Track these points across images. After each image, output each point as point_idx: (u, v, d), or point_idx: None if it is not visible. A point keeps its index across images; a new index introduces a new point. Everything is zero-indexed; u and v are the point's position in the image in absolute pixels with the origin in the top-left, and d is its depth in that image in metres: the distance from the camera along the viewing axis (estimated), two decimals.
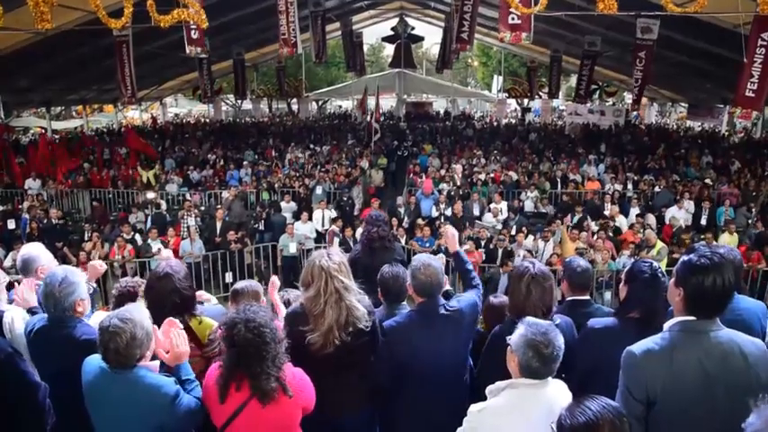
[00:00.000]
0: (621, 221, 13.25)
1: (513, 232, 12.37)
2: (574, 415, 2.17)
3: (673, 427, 2.54)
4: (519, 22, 11.23)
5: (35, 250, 4.20)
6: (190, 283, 3.47)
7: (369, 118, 22.05)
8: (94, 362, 2.90)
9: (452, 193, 15.63)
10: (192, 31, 10.33)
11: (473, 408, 2.73)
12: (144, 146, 21.34)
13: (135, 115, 38.82)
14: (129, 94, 16.80)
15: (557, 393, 2.68)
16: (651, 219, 13.36)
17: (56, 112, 27.51)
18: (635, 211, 14.08)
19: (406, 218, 13.97)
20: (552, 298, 3.43)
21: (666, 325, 2.65)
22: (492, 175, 18.06)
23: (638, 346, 2.60)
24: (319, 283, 3.33)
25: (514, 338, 2.70)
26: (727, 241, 11.59)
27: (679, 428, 2.54)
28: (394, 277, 3.78)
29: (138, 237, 12.36)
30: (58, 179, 17.49)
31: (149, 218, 14.24)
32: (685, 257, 2.62)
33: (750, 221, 12.78)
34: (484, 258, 11.30)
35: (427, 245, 11.89)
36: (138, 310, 2.91)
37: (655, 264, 3.37)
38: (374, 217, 5.81)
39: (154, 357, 2.99)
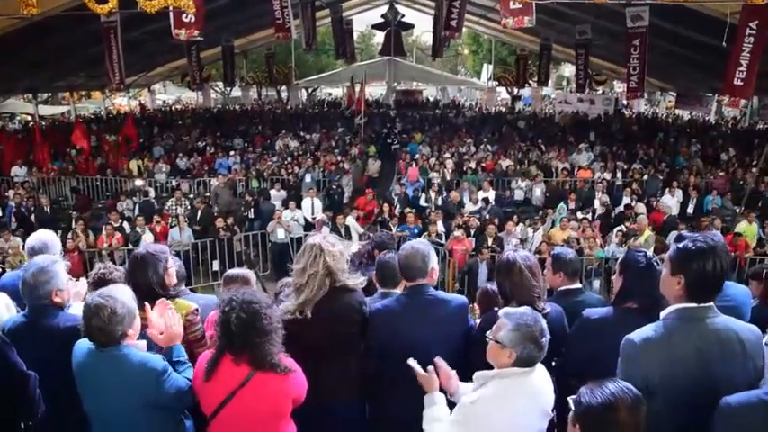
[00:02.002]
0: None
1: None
2: (593, 393, 2.18)
3: (671, 413, 2.54)
4: (520, 6, 11.20)
5: (45, 236, 4.17)
6: (165, 265, 3.45)
7: (354, 107, 22.01)
8: (84, 343, 2.91)
9: (441, 184, 15.63)
10: (185, 15, 10.20)
11: (465, 399, 2.72)
12: (135, 135, 21.32)
13: (123, 102, 38.52)
14: (117, 81, 16.65)
15: (541, 381, 2.71)
16: (641, 207, 13.44)
17: (42, 98, 27.21)
18: (627, 200, 14.18)
19: (398, 206, 14.01)
20: (542, 283, 3.44)
21: (663, 313, 2.65)
22: (483, 163, 18.10)
23: (636, 335, 2.59)
24: (308, 258, 3.35)
25: (505, 334, 2.68)
26: (745, 229, 11.77)
27: (677, 415, 2.54)
28: (389, 261, 3.78)
29: (126, 224, 12.30)
30: (44, 168, 17.36)
31: (137, 205, 14.19)
32: (680, 245, 2.60)
33: (737, 210, 12.90)
34: (474, 246, 11.33)
35: (416, 231, 11.92)
36: (120, 289, 2.92)
37: (649, 252, 3.36)
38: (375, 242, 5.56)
39: (142, 337, 3.00)
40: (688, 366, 2.51)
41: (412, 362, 2.96)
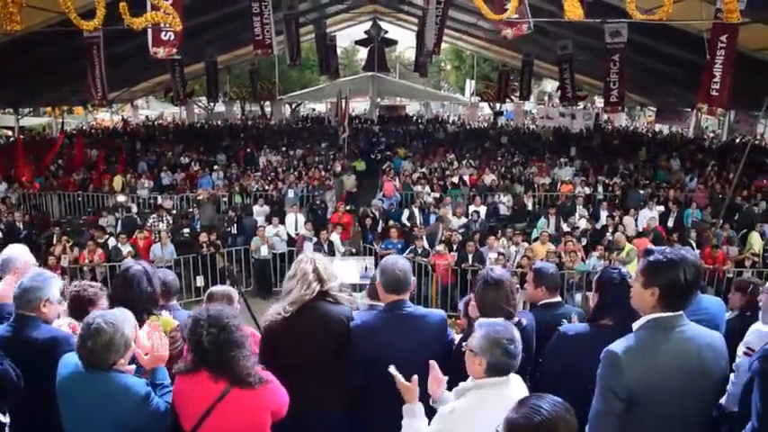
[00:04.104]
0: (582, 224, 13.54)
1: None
2: (527, 416, 2.16)
3: (653, 421, 2.61)
4: (516, 16, 11.18)
5: (15, 251, 4.17)
6: (151, 282, 3.50)
7: (343, 122, 22.02)
8: (71, 359, 2.93)
9: (423, 201, 15.72)
10: (163, 33, 10.18)
11: (443, 410, 2.77)
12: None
13: (105, 117, 38.36)
14: (99, 97, 16.59)
15: (518, 393, 2.73)
16: (629, 221, 13.59)
17: (24, 112, 27.00)
18: (605, 213, 14.34)
19: (381, 222, 14.03)
20: (515, 299, 3.50)
21: (636, 324, 2.71)
22: (465, 178, 18.24)
23: (617, 346, 2.65)
24: (297, 266, 3.45)
25: (476, 342, 2.75)
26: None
27: (659, 422, 2.62)
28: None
29: (109, 240, 12.24)
30: (23, 182, 17.24)
31: (119, 221, 14.11)
32: (651, 258, 2.68)
33: (716, 223, 13.08)
34: (456, 260, 11.39)
35: (399, 246, 11.95)
36: (125, 316, 2.94)
37: (623, 270, 3.46)
38: None
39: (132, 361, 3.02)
40: (668, 374, 2.58)
41: (392, 369, 2.98)
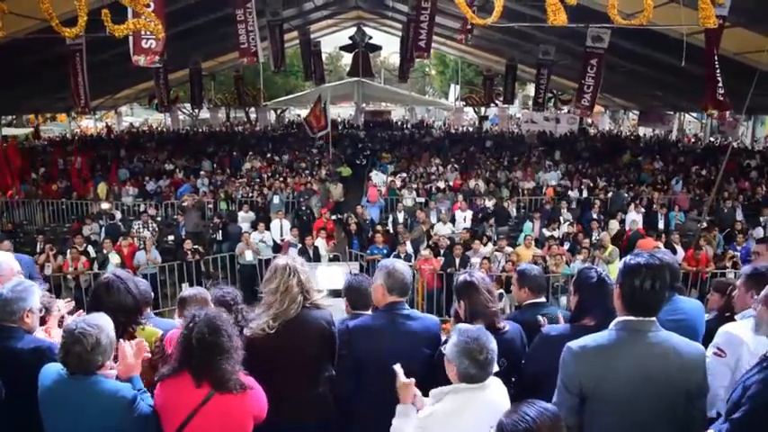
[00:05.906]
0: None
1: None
2: (514, 422, 2.21)
3: (607, 422, 2.65)
4: (469, 26, 11.92)
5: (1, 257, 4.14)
6: (134, 291, 3.48)
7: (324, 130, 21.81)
8: (52, 368, 2.91)
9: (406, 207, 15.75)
10: (144, 41, 10.07)
11: (421, 413, 2.79)
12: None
13: (89, 124, 38.12)
14: (82, 104, 16.50)
15: (498, 395, 2.78)
16: (614, 224, 13.66)
17: (6, 121, 26.79)
18: (594, 215, 14.40)
19: (370, 229, 13.99)
20: (493, 301, 3.53)
21: (611, 324, 2.76)
22: (450, 182, 18.28)
23: (576, 343, 2.71)
24: (281, 278, 3.39)
25: (449, 348, 2.78)
26: None
27: (613, 424, 2.65)
28: (358, 286, 3.83)
29: (90, 248, 12.12)
30: (8, 191, 17.05)
31: (103, 228, 14.00)
32: (623, 260, 2.77)
33: (699, 225, 13.18)
34: (442, 264, 11.40)
35: (384, 251, 11.94)
36: (105, 319, 2.94)
37: (600, 269, 3.50)
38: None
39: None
40: (626, 375, 2.61)
41: (398, 367, 2.99)
